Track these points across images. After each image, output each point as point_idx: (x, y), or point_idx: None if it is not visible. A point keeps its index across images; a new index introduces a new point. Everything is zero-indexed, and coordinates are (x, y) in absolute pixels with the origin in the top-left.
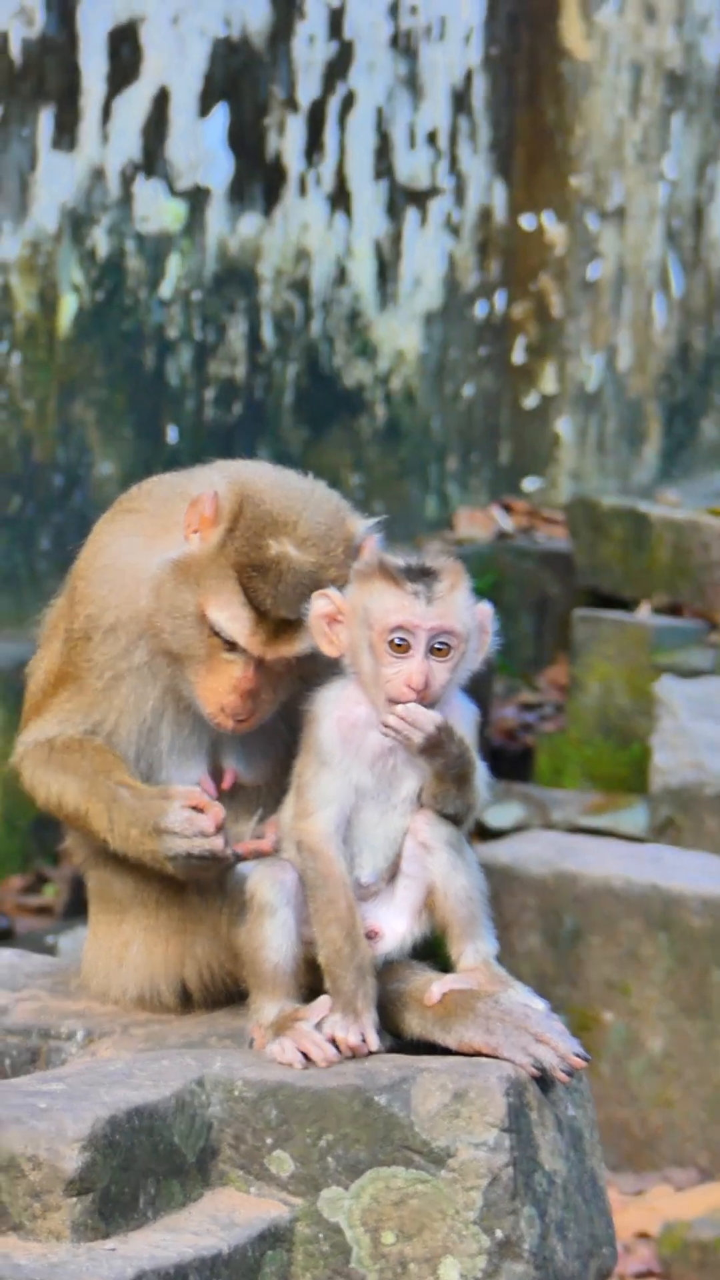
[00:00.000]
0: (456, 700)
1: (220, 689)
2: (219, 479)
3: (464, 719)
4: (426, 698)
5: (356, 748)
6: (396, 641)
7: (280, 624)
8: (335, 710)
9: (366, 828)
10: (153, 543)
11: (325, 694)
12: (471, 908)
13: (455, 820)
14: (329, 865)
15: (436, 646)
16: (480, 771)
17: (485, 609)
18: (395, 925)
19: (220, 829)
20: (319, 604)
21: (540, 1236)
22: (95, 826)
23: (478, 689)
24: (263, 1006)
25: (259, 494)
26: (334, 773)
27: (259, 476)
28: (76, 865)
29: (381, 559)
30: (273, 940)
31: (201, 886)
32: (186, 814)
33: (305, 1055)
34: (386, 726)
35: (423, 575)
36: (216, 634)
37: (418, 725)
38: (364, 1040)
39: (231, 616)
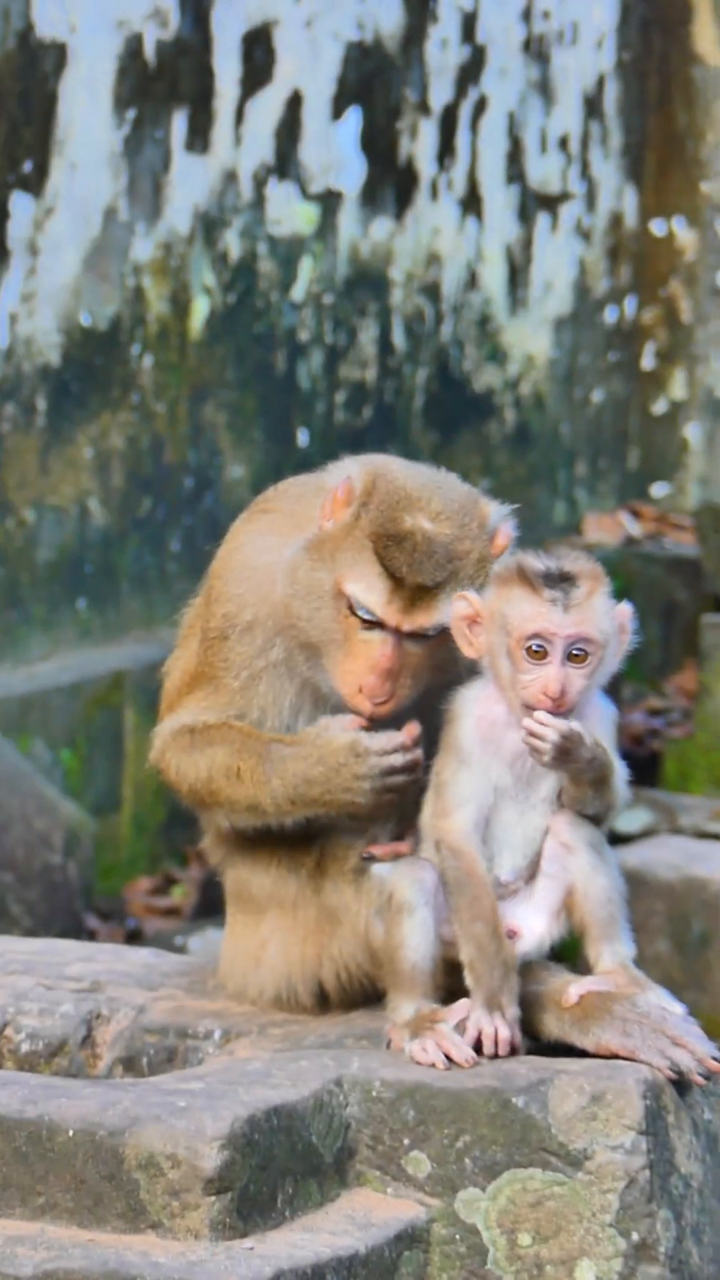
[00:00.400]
0: (595, 702)
1: (358, 670)
2: (353, 466)
3: (602, 721)
4: (563, 705)
5: (496, 747)
6: (534, 648)
7: (417, 593)
8: (475, 709)
9: (505, 826)
10: (288, 541)
11: (465, 693)
12: (611, 909)
13: (595, 821)
14: (470, 863)
15: (574, 653)
16: (619, 773)
17: (624, 610)
18: (534, 925)
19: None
20: (458, 606)
21: (676, 1240)
22: (254, 788)
23: (607, 693)
24: (400, 1006)
25: (392, 474)
26: (473, 772)
27: (391, 461)
28: (214, 865)
29: (520, 563)
30: (411, 939)
31: (339, 888)
32: (372, 734)
33: (447, 1056)
34: (525, 733)
35: (561, 580)
36: (353, 612)
37: (547, 736)
38: (510, 1034)
39: (368, 587)
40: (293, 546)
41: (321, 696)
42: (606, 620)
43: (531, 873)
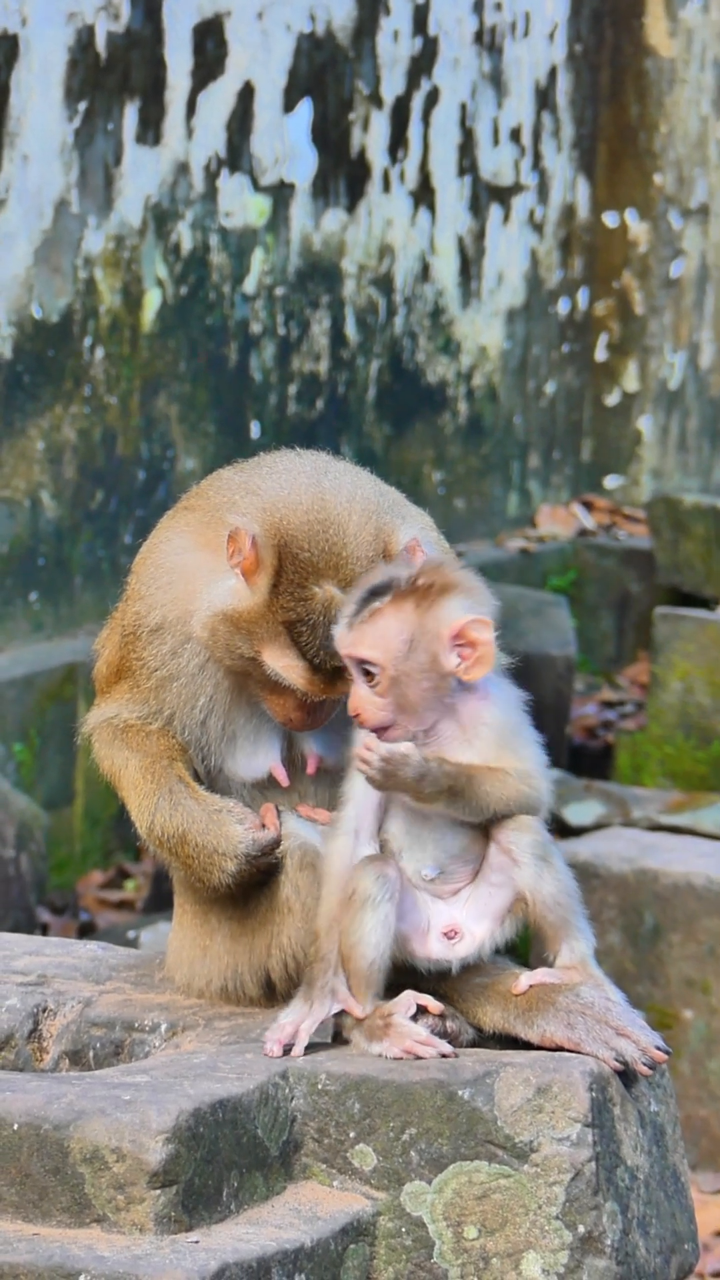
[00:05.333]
0: (475, 709)
1: (287, 706)
2: (256, 512)
3: (486, 725)
4: (365, 724)
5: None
6: (344, 665)
7: (336, 669)
8: None
9: (407, 827)
10: (201, 545)
11: None
12: (561, 911)
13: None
14: (326, 859)
15: (364, 672)
16: (510, 773)
17: (459, 621)
18: (475, 928)
19: (279, 844)
20: None
21: (622, 1232)
22: (140, 809)
23: (558, 686)
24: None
25: (297, 540)
26: (357, 775)
27: (295, 508)
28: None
29: (363, 579)
30: (371, 936)
31: (291, 878)
32: (255, 835)
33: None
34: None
35: (367, 597)
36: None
37: (368, 759)
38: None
39: (286, 667)
40: (205, 558)
41: (248, 695)
42: (395, 638)
43: (473, 871)
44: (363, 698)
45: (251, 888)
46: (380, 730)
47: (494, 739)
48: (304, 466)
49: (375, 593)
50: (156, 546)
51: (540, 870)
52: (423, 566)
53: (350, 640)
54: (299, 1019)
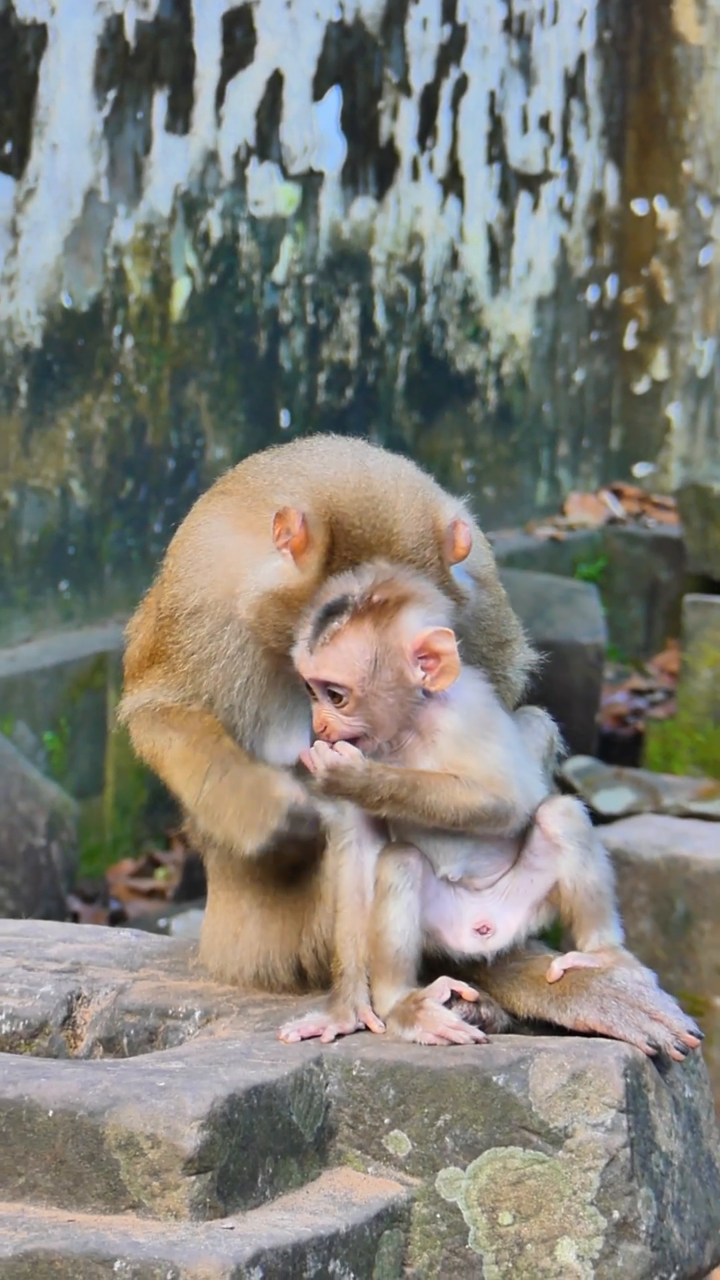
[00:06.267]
0: (442, 701)
1: None
2: (303, 492)
3: (445, 720)
4: (331, 739)
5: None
6: (308, 684)
7: None
8: None
9: (424, 831)
10: (241, 528)
11: None
12: (600, 902)
13: (457, 828)
14: (337, 870)
15: (330, 693)
16: (460, 780)
17: (420, 635)
18: (509, 920)
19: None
20: None
21: (657, 1218)
22: (189, 784)
23: (588, 674)
24: (385, 996)
25: (348, 518)
26: None
27: (343, 487)
28: (197, 844)
29: (318, 593)
30: (396, 924)
31: (321, 866)
32: (306, 797)
33: (448, 1039)
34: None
35: (325, 616)
36: None
37: (314, 766)
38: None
39: None
40: (245, 541)
41: (283, 676)
42: (359, 659)
43: (504, 863)
44: (329, 714)
45: (286, 870)
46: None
47: (451, 745)
48: (345, 448)
49: (331, 612)
50: (194, 530)
51: (585, 859)
52: (375, 581)
53: (314, 664)
54: (321, 1025)
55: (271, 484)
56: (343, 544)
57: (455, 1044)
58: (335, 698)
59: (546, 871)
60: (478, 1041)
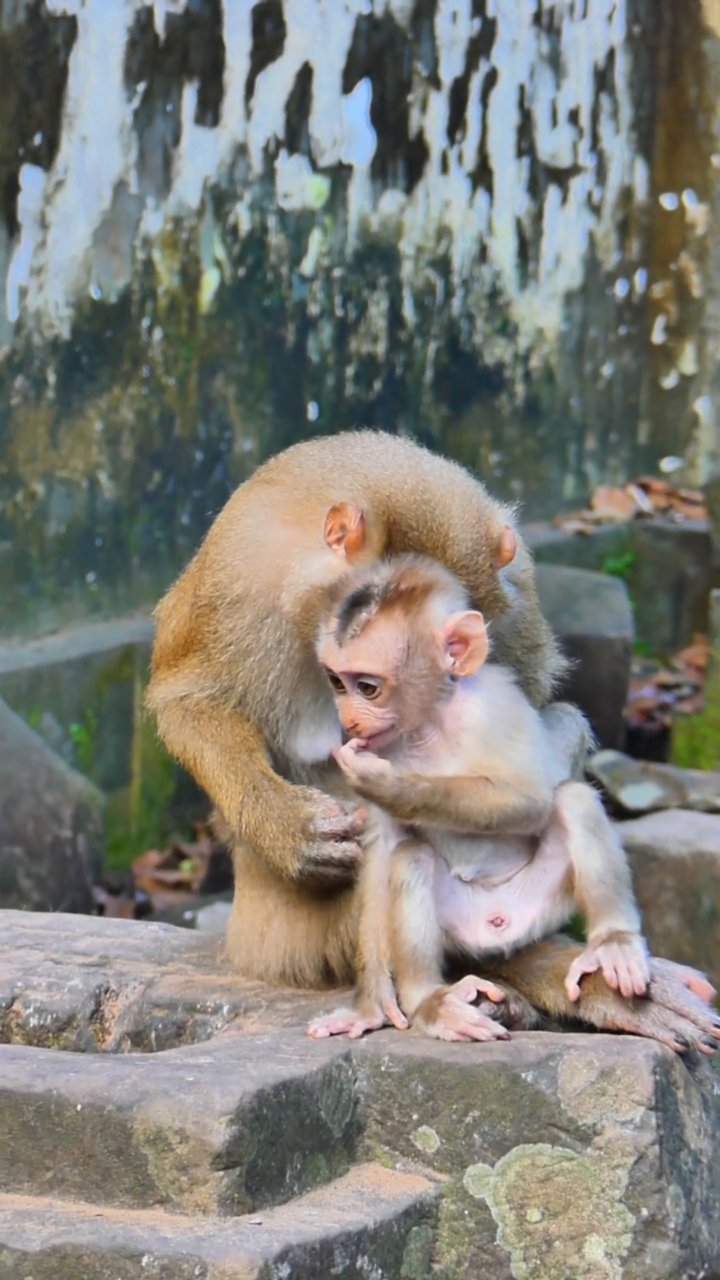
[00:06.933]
0: (467, 695)
1: None
2: (360, 489)
3: (470, 715)
4: (362, 733)
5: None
6: (332, 678)
7: None
8: None
9: (443, 832)
10: (289, 520)
11: None
12: (605, 890)
13: (488, 832)
14: (364, 866)
15: (362, 685)
16: (490, 781)
17: (452, 620)
18: (524, 911)
19: (361, 833)
20: None
21: (685, 1215)
22: (225, 803)
23: (615, 668)
24: (409, 994)
25: (405, 519)
26: None
27: (400, 488)
28: (224, 839)
29: (334, 587)
30: (411, 920)
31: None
32: (334, 817)
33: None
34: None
35: (350, 608)
36: None
37: (346, 773)
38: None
39: None
40: (291, 533)
41: (315, 672)
42: (392, 648)
43: (518, 864)
44: (360, 709)
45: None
46: (374, 736)
47: (478, 744)
48: (398, 448)
49: (356, 603)
50: (239, 519)
51: (589, 842)
52: (399, 570)
53: (346, 657)
54: (349, 1022)
55: (324, 478)
56: (398, 544)
57: (477, 1040)
58: (366, 690)
59: (558, 858)
60: (500, 1038)
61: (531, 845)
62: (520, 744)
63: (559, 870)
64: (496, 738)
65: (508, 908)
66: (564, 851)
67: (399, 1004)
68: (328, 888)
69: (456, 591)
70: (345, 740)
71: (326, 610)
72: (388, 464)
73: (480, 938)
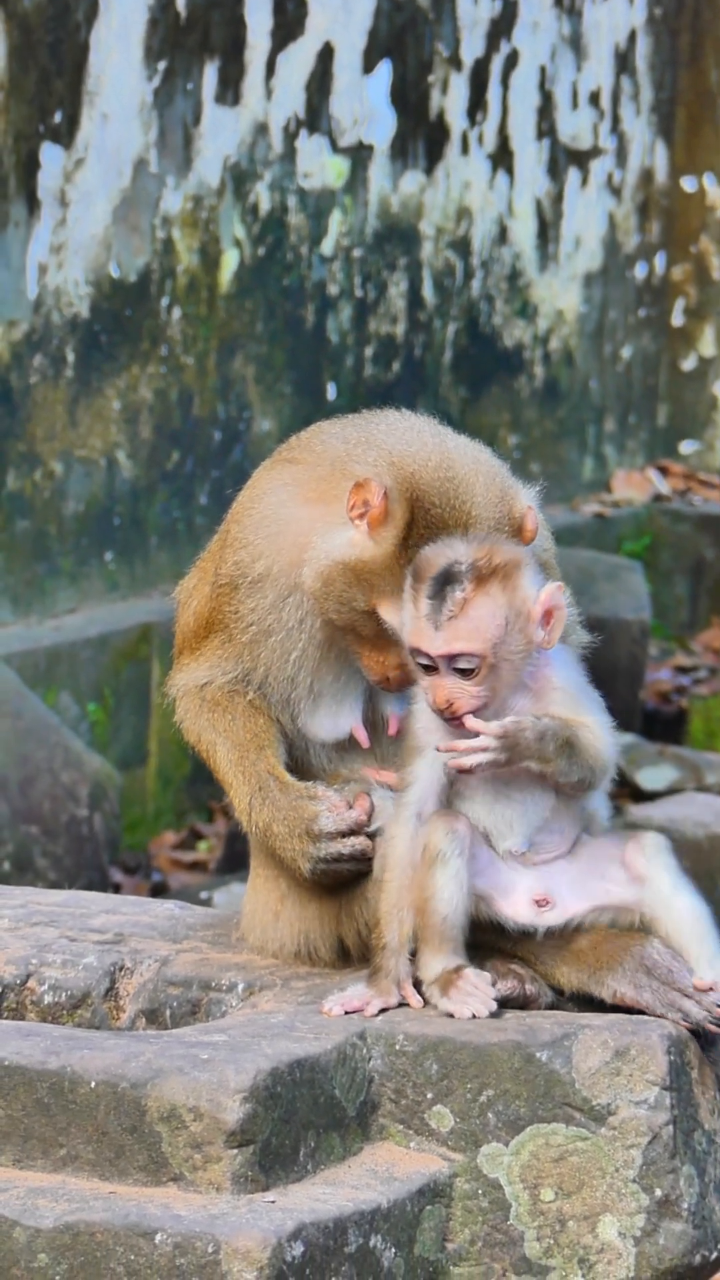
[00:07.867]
0: (543, 667)
1: (388, 663)
2: (384, 466)
3: (558, 683)
4: (458, 713)
5: (444, 733)
6: (420, 661)
7: None
8: (424, 697)
9: (488, 804)
10: (311, 498)
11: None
12: (699, 929)
13: (586, 786)
14: (390, 844)
15: (458, 667)
16: (591, 728)
17: (547, 591)
18: (569, 902)
19: (367, 826)
20: None
21: (699, 1196)
22: (236, 802)
23: (632, 651)
24: (429, 963)
25: (429, 496)
26: (424, 758)
27: (424, 465)
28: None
29: (416, 564)
30: (444, 891)
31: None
32: (338, 814)
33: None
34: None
35: (441, 588)
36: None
37: (464, 762)
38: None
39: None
40: (314, 512)
41: (337, 650)
42: (491, 625)
43: (563, 839)
44: (454, 689)
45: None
46: (462, 718)
47: (567, 700)
48: (423, 426)
49: (447, 582)
50: (260, 497)
51: (676, 893)
52: (484, 547)
53: (445, 638)
54: (364, 1000)
55: (347, 454)
56: (421, 522)
57: (476, 1017)
58: (462, 671)
59: (624, 885)
60: (492, 1015)
61: (577, 830)
62: (596, 700)
63: (620, 897)
64: (581, 694)
65: (555, 891)
66: (635, 886)
67: (417, 970)
68: (343, 882)
69: (536, 565)
70: (365, 720)
71: (413, 592)
72: (412, 441)
73: (520, 912)
